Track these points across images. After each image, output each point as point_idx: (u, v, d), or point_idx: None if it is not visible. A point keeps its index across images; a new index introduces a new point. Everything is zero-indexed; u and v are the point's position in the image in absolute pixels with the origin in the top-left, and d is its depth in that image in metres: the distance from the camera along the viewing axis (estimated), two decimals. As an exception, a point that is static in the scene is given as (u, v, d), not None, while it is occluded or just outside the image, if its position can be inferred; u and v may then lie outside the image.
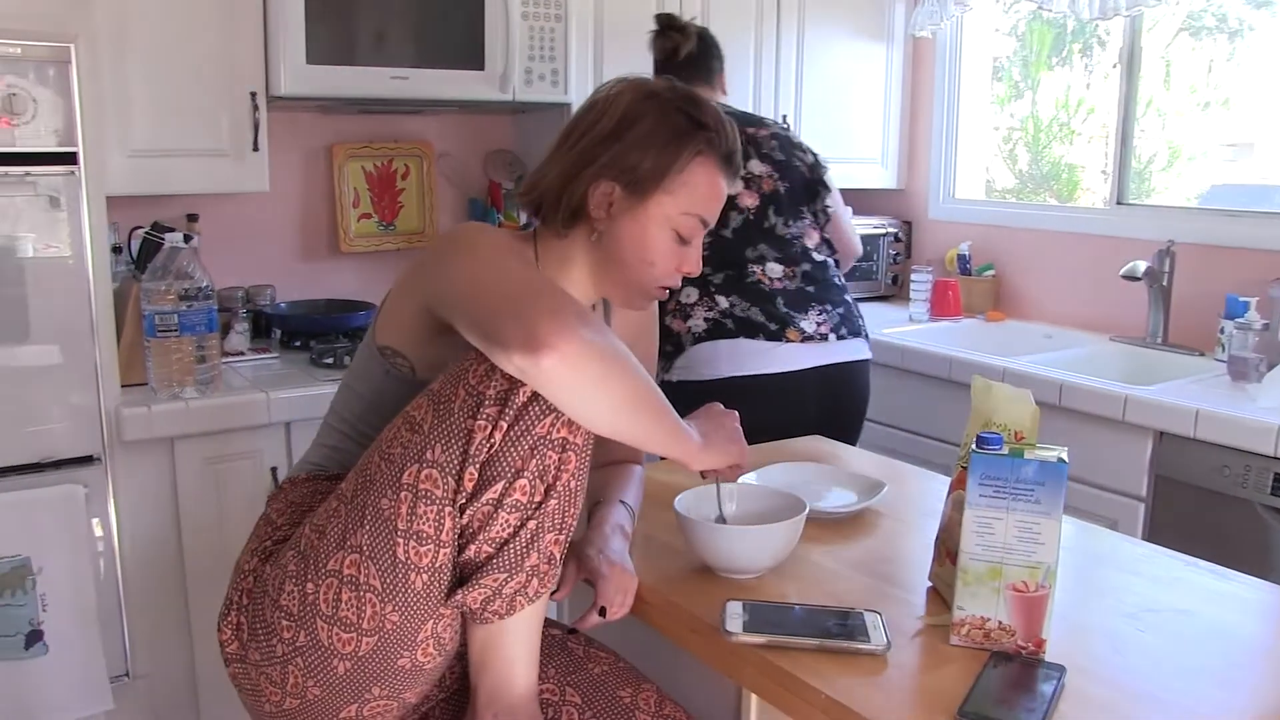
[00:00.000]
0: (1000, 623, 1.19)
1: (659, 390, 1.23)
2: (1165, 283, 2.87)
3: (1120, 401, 2.42)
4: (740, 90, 3.25)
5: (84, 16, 2.03)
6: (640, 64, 3.03)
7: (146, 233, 2.38)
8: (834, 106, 3.46)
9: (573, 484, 1.16)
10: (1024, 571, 1.18)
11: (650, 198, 1.36)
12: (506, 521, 1.14)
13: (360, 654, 1.17)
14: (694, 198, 1.38)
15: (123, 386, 2.21)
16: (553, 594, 1.34)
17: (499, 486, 1.13)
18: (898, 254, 3.65)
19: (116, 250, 2.42)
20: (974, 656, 1.19)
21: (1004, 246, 3.41)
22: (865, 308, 3.37)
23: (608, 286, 1.43)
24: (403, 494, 1.14)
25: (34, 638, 2.03)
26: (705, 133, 1.38)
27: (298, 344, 2.70)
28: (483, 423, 1.13)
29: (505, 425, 1.13)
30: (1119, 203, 3.14)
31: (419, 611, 1.17)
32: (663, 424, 1.23)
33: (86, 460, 2.09)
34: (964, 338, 3.15)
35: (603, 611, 1.30)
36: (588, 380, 1.12)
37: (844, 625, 1.23)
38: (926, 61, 3.62)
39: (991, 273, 3.38)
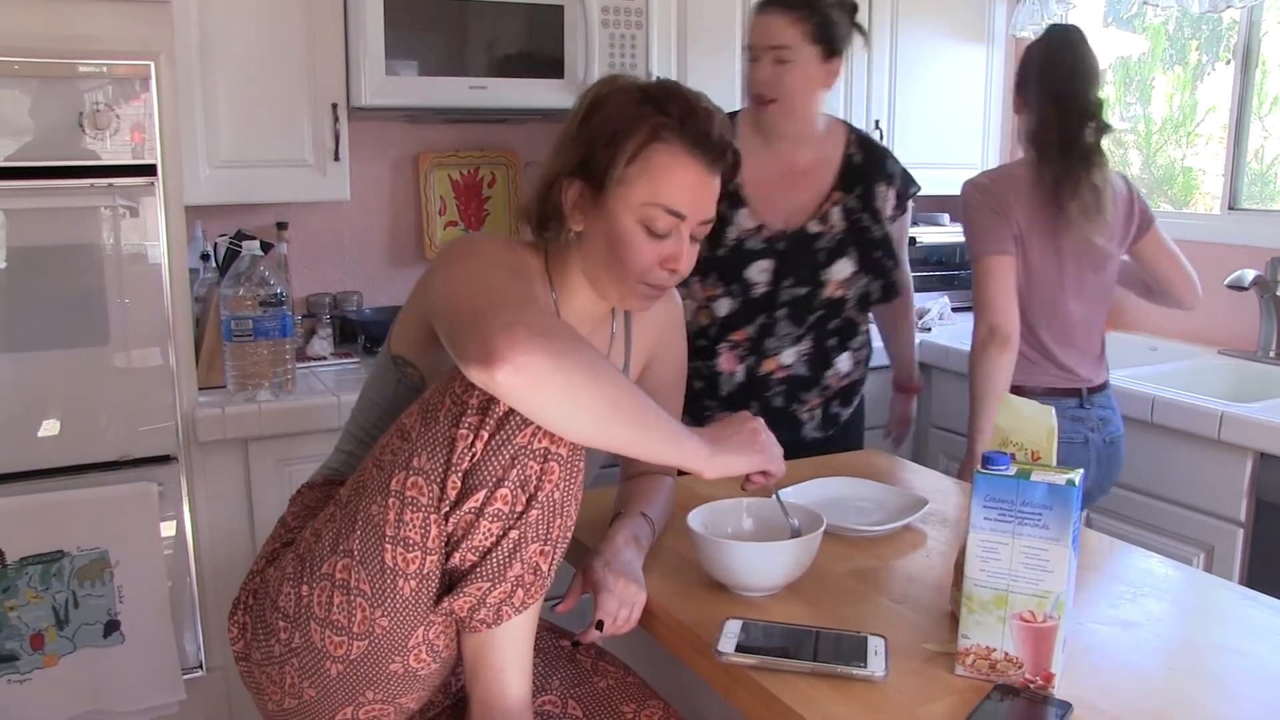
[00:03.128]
0: (1007, 653, 1.13)
1: (644, 398, 1.19)
2: (1278, 293, 2.69)
3: (1215, 419, 2.28)
4: (831, 97, 3.19)
5: (166, 35, 2.12)
6: (723, 67, 3.01)
7: (230, 241, 2.47)
8: (931, 111, 3.36)
9: (557, 495, 1.15)
10: (1031, 600, 1.11)
11: (607, 191, 1.32)
12: (489, 530, 1.13)
13: (351, 657, 1.18)
14: (654, 187, 1.31)
15: (204, 389, 2.30)
16: (556, 606, 1.34)
17: (480, 495, 1.13)
18: (997, 263, 3.51)
19: (205, 258, 2.51)
20: (978, 689, 1.13)
21: (1109, 255, 3.25)
22: (962, 318, 3.28)
23: (600, 287, 1.40)
24: (390, 500, 1.15)
25: (111, 627, 2.13)
26: (664, 119, 1.30)
27: (380, 350, 2.76)
28: (465, 431, 1.13)
29: (486, 434, 1.13)
30: (1231, 208, 2.96)
31: (409, 617, 1.17)
32: (651, 432, 1.19)
33: (163, 459, 2.17)
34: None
35: (600, 625, 1.28)
36: (551, 392, 1.10)
37: (843, 649, 1.18)
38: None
39: (1094, 282, 3.22)
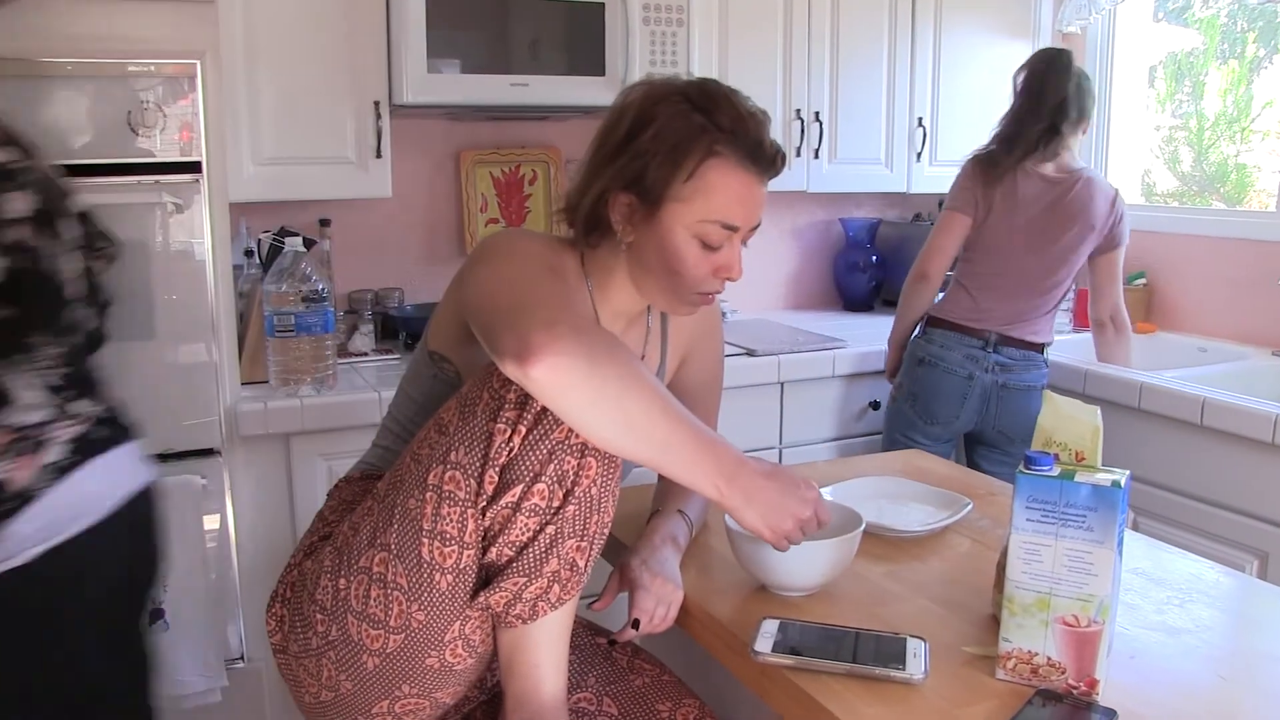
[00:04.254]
0: (1049, 658, 1.11)
1: (675, 417, 1.13)
2: (1334, 294, 2.64)
3: (1269, 422, 2.23)
4: (873, 93, 3.17)
5: (211, 35, 2.14)
6: (765, 65, 3.00)
7: (273, 238, 2.49)
8: (975, 109, 3.30)
9: (594, 491, 1.14)
10: (1074, 604, 1.09)
11: (663, 207, 1.30)
12: (525, 525, 1.13)
13: (388, 651, 1.19)
14: (710, 204, 1.30)
15: (247, 384, 2.33)
16: (593, 604, 1.34)
17: (517, 490, 1.12)
18: (1043, 261, 3.47)
19: (249, 254, 2.54)
20: (1019, 694, 1.11)
21: (1157, 253, 3.19)
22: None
23: (647, 293, 1.39)
24: (428, 494, 1.15)
25: (156, 615, 2.15)
26: (717, 133, 1.29)
27: (417, 346, 2.77)
28: (502, 426, 1.13)
29: (524, 429, 1.13)
30: (1286, 206, 2.90)
31: (445, 612, 1.17)
32: (670, 453, 1.13)
33: (207, 453, 2.20)
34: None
35: (636, 624, 1.27)
36: (581, 394, 1.08)
37: (881, 651, 1.17)
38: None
39: (1142, 281, 3.18)
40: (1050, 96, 2.54)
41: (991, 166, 2.55)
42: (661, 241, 1.32)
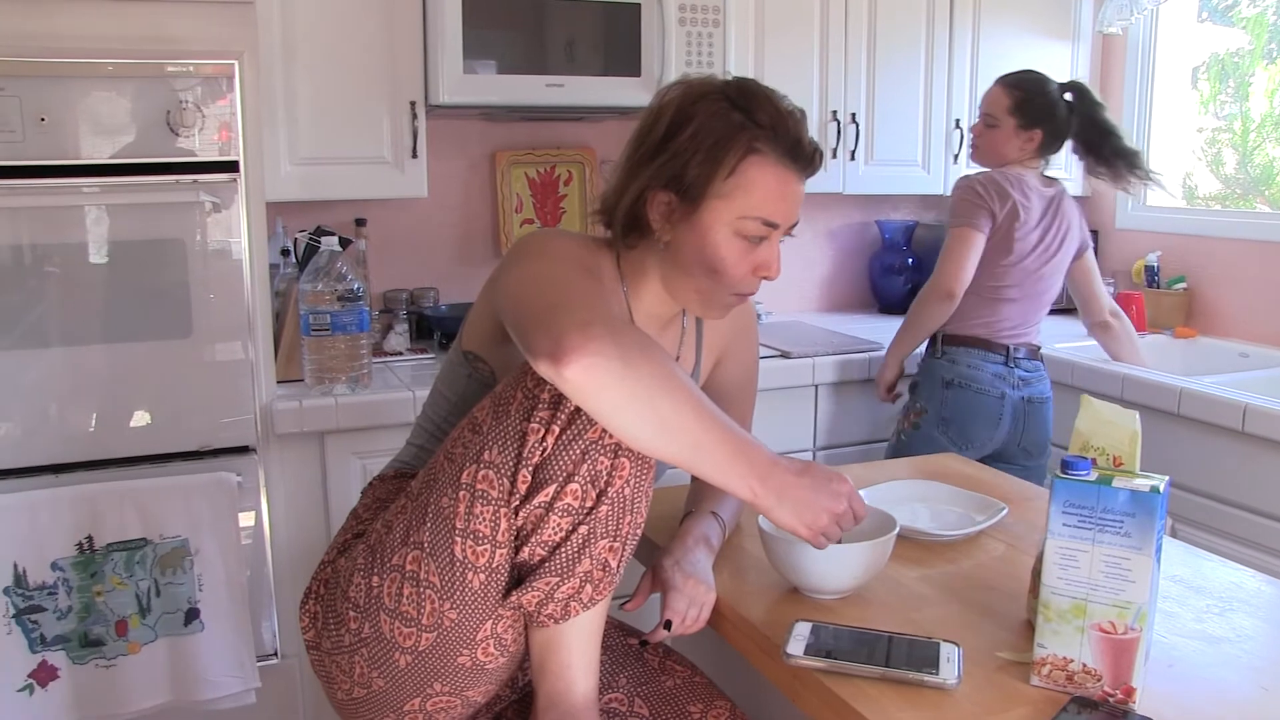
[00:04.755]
0: (1085, 665, 1.10)
1: (709, 418, 1.12)
2: (1380, 299, 2.59)
3: (1312, 429, 2.19)
4: (910, 94, 3.15)
5: (250, 35, 2.16)
6: (801, 66, 2.99)
7: (309, 237, 2.51)
8: (1014, 109, 3.29)
9: (627, 491, 1.14)
10: (1111, 610, 1.08)
11: (703, 204, 1.31)
12: (558, 525, 1.13)
13: (420, 649, 1.19)
14: (751, 200, 1.30)
15: (282, 382, 2.35)
16: (625, 605, 1.34)
17: (550, 490, 1.12)
18: (1081, 264, 3.44)
19: (285, 253, 2.56)
20: (1054, 701, 1.10)
21: (1199, 257, 3.15)
22: (1044, 320, 3.20)
23: (681, 295, 1.39)
24: (461, 493, 1.16)
25: (192, 615, 2.17)
26: (756, 130, 1.29)
27: (452, 345, 2.79)
28: (536, 425, 1.13)
29: (558, 429, 1.13)
30: (1332, 210, 2.85)
31: (477, 610, 1.17)
32: (711, 455, 1.12)
33: (242, 450, 2.22)
34: (1145, 354, 2.92)
35: (668, 625, 1.27)
36: (615, 395, 1.08)
37: (915, 655, 1.16)
38: (1116, 60, 3.39)
39: (1183, 285, 3.13)
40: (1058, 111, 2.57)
41: (1002, 180, 2.53)
42: (701, 240, 1.32)
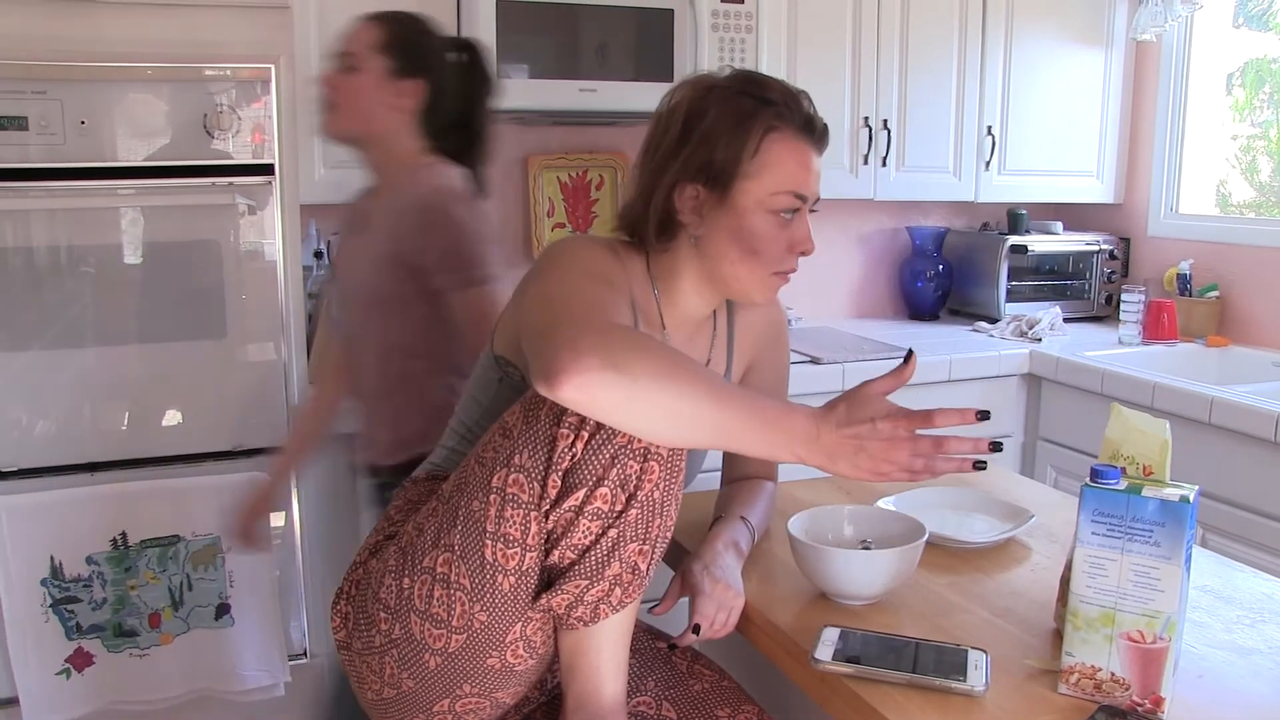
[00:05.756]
0: (1113, 674, 1.09)
1: (736, 396, 1.13)
2: None
3: (1346, 440, 2.17)
4: (941, 101, 3.15)
5: (286, 39, 2.19)
6: (834, 69, 2.99)
7: (342, 239, 2.53)
8: (1045, 118, 3.28)
9: (656, 494, 1.15)
10: (1140, 620, 1.07)
11: (734, 187, 1.33)
12: (588, 529, 1.14)
13: (450, 650, 1.20)
14: (779, 175, 1.32)
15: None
16: (653, 609, 1.34)
17: (580, 494, 1.13)
18: (1113, 272, 3.42)
19: (318, 255, 2.59)
20: (1082, 709, 1.10)
21: (1232, 265, 3.13)
22: (1074, 328, 3.20)
23: (725, 287, 1.40)
24: (492, 497, 1.17)
25: (222, 610, 2.20)
26: (771, 108, 1.33)
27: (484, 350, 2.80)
28: (565, 430, 1.14)
29: (587, 434, 1.13)
30: (1368, 219, 2.82)
31: (507, 613, 1.18)
32: (740, 432, 1.11)
33: (274, 450, 2.24)
34: (1176, 363, 2.91)
35: (696, 629, 1.28)
36: (614, 400, 1.08)
37: (943, 662, 1.16)
38: (1150, 67, 3.37)
39: (1215, 294, 3.11)
40: None
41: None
42: (737, 223, 1.34)
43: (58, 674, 2.10)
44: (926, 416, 1.11)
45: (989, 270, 3.31)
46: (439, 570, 1.20)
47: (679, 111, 1.35)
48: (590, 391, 1.08)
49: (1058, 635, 1.24)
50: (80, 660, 2.12)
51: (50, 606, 2.08)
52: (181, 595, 2.16)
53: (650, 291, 1.40)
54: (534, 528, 1.16)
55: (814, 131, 1.36)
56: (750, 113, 1.32)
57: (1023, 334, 3.12)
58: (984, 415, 1.14)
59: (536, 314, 1.22)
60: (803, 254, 1.38)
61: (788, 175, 1.33)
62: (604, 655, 1.20)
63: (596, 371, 1.07)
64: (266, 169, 2.16)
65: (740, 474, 1.61)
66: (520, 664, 1.23)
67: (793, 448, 1.12)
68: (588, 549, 1.15)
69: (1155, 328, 3.03)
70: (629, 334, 1.14)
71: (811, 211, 1.39)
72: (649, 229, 1.37)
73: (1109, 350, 2.97)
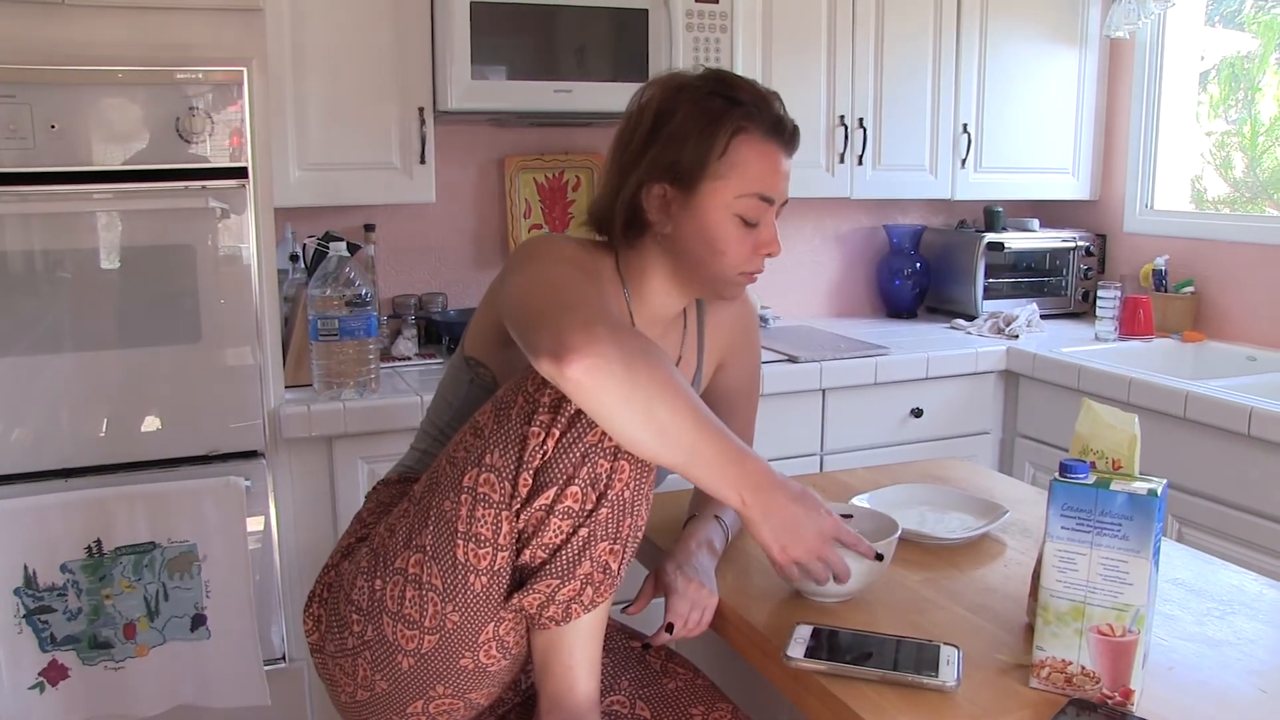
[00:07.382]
0: (1083, 667, 1.10)
1: (715, 426, 1.14)
2: (1388, 302, 2.58)
3: (1319, 433, 2.19)
4: (917, 99, 3.16)
5: (259, 42, 2.17)
6: (808, 70, 3.00)
7: (318, 242, 2.52)
8: (1021, 115, 3.30)
9: (627, 494, 1.15)
10: (1110, 613, 1.08)
11: (701, 187, 1.33)
12: (559, 528, 1.14)
13: (423, 651, 1.20)
14: (746, 177, 1.33)
15: (291, 387, 2.36)
16: (627, 609, 1.35)
17: (551, 493, 1.13)
18: (1089, 269, 3.43)
19: (294, 259, 2.58)
20: (1053, 703, 1.10)
21: (1207, 261, 3.15)
22: (1051, 325, 3.21)
23: (692, 286, 1.40)
24: (463, 496, 1.17)
25: (198, 621, 2.18)
26: (740, 108, 1.33)
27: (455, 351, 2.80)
28: (536, 429, 1.14)
29: (558, 432, 1.13)
30: (1340, 214, 2.84)
31: (479, 613, 1.18)
32: (706, 461, 1.13)
33: (251, 455, 2.23)
34: (1152, 359, 2.93)
35: (670, 628, 1.28)
36: (615, 395, 1.09)
37: (915, 658, 1.16)
38: (1124, 64, 3.39)
39: (1190, 289, 3.13)
40: None
41: None
42: (702, 223, 1.34)
43: (31, 688, 2.07)
44: (855, 540, 1.23)
45: (966, 268, 3.33)
46: (411, 571, 1.20)
47: (649, 110, 1.36)
48: (597, 378, 1.08)
49: (1030, 630, 1.24)
50: (54, 674, 2.09)
51: (24, 617, 2.06)
52: (158, 605, 2.14)
53: (620, 290, 1.41)
54: (505, 527, 1.16)
55: (783, 133, 1.36)
56: (719, 113, 1.32)
57: (1000, 331, 3.14)
58: (879, 557, 1.26)
59: (537, 296, 1.21)
60: (769, 255, 1.38)
61: (755, 177, 1.33)
62: (577, 655, 1.20)
63: (607, 361, 1.08)
64: (240, 172, 2.15)
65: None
66: (493, 664, 1.23)
67: (741, 489, 1.15)
68: (559, 548, 1.15)
69: (1131, 323, 3.05)
70: (640, 336, 1.16)
71: (782, 205, 1.39)
72: (616, 226, 1.37)
73: (1086, 346, 2.98)
